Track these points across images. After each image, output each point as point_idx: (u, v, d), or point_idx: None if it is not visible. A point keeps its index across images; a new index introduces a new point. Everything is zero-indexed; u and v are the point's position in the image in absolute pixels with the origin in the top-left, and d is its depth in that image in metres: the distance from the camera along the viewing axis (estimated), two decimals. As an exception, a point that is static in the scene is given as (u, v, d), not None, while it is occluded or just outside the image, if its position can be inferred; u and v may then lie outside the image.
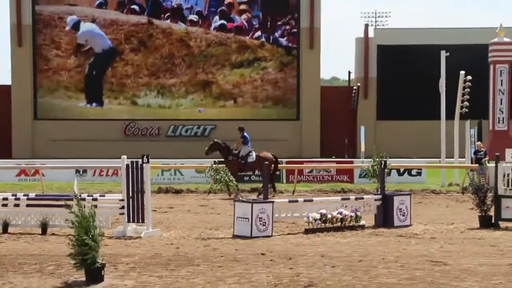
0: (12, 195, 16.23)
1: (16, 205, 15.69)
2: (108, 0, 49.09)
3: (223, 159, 24.56)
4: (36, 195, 16.92)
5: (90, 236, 10.26)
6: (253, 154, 24.38)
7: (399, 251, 12.92)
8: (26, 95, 47.48)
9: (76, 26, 48.48)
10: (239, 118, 48.87)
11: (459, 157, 31.08)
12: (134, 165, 15.13)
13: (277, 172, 24.99)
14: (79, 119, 47.85)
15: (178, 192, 25.58)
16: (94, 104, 48.28)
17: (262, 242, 14.03)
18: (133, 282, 10.30)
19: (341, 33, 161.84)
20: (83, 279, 10.32)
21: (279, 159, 25.15)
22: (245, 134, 24.89)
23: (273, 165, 24.29)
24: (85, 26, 48.46)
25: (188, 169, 30.48)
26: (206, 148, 24.64)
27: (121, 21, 49.09)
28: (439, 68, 31.57)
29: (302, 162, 33.05)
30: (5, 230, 15.35)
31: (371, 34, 51.46)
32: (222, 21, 49.70)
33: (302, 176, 30.28)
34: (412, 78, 49.06)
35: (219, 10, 49.81)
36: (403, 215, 16.51)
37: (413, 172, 31.22)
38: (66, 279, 10.53)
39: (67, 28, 48.30)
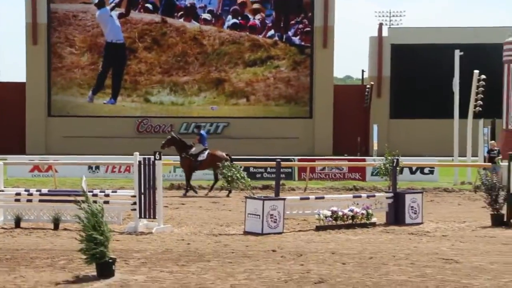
0: (25, 191, 16.34)
1: (29, 200, 15.78)
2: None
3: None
4: (48, 191, 17.02)
5: (99, 231, 10.31)
6: (205, 152, 24.16)
7: (410, 248, 12.90)
8: (40, 93, 47.71)
9: (101, 3, 48.46)
10: (252, 116, 48.90)
11: (472, 156, 30.97)
12: (147, 161, 15.18)
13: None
14: (92, 116, 48.02)
15: (193, 190, 25.57)
16: (109, 100, 48.44)
17: (273, 238, 14.04)
18: (144, 277, 10.34)
19: (355, 32, 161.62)
20: (94, 273, 10.37)
21: (232, 158, 24.78)
22: (202, 132, 25.06)
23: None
24: (106, 10, 48.52)
25: (201, 166, 30.48)
26: (163, 142, 24.47)
27: (134, 19, 49.22)
28: (453, 67, 31.46)
29: (314, 160, 33.02)
30: (17, 225, 15.44)
31: (385, 33, 51.34)
32: (235, 20, 49.72)
33: (314, 174, 30.25)
34: (425, 77, 48.91)
35: (232, 9, 49.84)
36: (415, 213, 16.48)
37: (426, 170, 31.12)
38: (77, 273, 10.58)
39: (95, 1, 48.27)
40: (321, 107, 49.14)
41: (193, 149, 24.13)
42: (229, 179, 23.71)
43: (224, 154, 24.22)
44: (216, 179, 24.11)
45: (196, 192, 23.81)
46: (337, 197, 17.58)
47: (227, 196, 23.35)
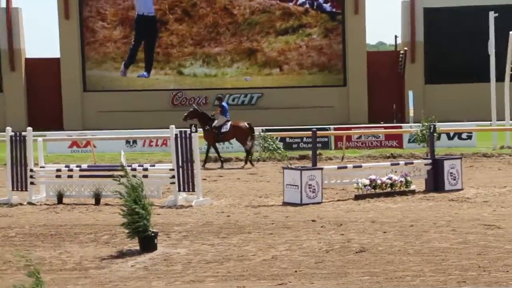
0: (66, 167, 16.56)
1: (70, 176, 15.99)
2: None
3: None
4: (88, 166, 17.22)
5: (140, 205, 10.42)
6: (228, 124, 24.10)
7: (451, 215, 12.84)
8: (74, 68, 48.00)
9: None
10: (285, 85, 48.74)
11: (511, 120, 30.59)
12: (183, 135, 15.27)
13: (251, 142, 24.32)
14: (127, 90, 48.25)
15: (227, 160, 25.71)
16: (142, 73, 48.62)
17: (312, 209, 14.08)
18: (186, 250, 10.46)
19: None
20: (137, 247, 10.51)
21: (254, 128, 24.71)
22: (224, 104, 24.90)
23: (248, 135, 24.07)
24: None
25: (237, 137, 30.52)
26: (185, 114, 24.47)
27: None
28: (488, 29, 30.97)
29: (350, 129, 32.86)
30: (60, 201, 15.67)
31: (417, -4, 50.63)
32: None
33: (350, 142, 30.13)
34: (460, 41, 48.21)
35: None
36: (454, 179, 16.37)
37: (463, 135, 30.82)
38: (121, 248, 10.73)
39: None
40: (355, 74, 48.75)
41: (216, 121, 24.18)
42: (265, 149, 23.83)
43: (246, 124, 24.28)
44: (248, 151, 24.15)
45: (222, 162, 23.84)
46: (375, 165, 17.55)
47: (221, 167, 23.49)
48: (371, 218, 12.74)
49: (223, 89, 48.22)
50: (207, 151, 24.58)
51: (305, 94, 48.18)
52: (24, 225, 12.91)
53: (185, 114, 24.49)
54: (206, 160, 24.08)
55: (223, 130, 24.05)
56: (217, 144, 24.56)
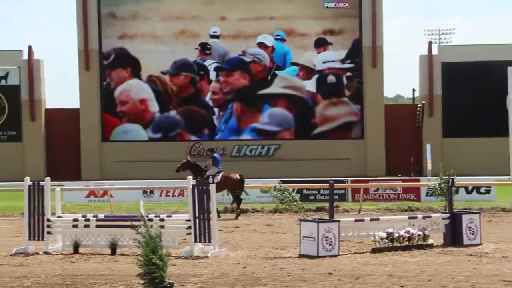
0: (82, 216, 16.57)
1: (86, 226, 15.99)
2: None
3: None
4: (105, 216, 17.22)
5: (157, 255, 10.38)
6: (219, 175, 24.15)
7: (470, 270, 12.68)
8: (93, 118, 48.44)
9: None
10: (303, 137, 48.84)
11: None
12: (200, 185, 15.28)
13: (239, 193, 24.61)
14: (145, 140, 48.55)
15: (244, 212, 25.64)
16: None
17: (328, 261, 13.96)
18: (202, 302, 10.37)
19: (405, 51, 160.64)
20: (153, 298, 10.43)
21: (245, 180, 24.83)
22: (215, 155, 25.03)
23: (239, 186, 24.36)
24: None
25: (254, 189, 30.53)
26: (178, 166, 24.92)
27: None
28: (506, 84, 31.00)
29: (367, 181, 32.77)
30: (76, 251, 15.64)
31: (435, 51, 50.88)
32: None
33: (368, 195, 30.02)
34: (478, 95, 48.28)
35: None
36: (473, 234, 16.20)
37: (482, 190, 30.61)
38: (136, 298, 10.66)
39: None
40: (373, 127, 48.88)
41: (208, 172, 24.35)
42: (282, 201, 23.78)
43: (237, 175, 24.41)
44: (236, 200, 24.29)
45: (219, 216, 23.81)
46: (392, 218, 17.43)
47: (236, 218, 23.39)
48: (388, 271, 12.61)
49: (240, 140, 48.42)
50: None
51: (322, 146, 48.23)
52: (39, 274, 12.89)
53: (178, 165, 24.79)
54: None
55: (215, 180, 24.16)
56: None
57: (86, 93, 48.45)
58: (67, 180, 36.11)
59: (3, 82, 48.13)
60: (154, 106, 48.77)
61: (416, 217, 16.69)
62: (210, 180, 23.75)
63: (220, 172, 24.26)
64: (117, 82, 48.93)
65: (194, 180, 24.35)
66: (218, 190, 24.65)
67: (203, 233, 15.12)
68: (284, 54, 49.29)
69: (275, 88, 49.05)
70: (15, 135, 48.38)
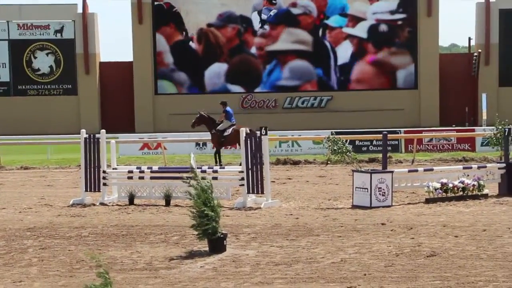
0: (137, 168, 16.80)
1: (141, 178, 16.22)
2: None
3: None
4: (159, 168, 17.43)
5: (209, 207, 10.49)
6: (231, 129, 24.09)
7: (525, 220, 12.53)
8: (146, 71, 48.71)
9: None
10: (355, 88, 48.41)
11: None
12: (253, 137, 15.33)
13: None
14: (197, 93, 48.73)
15: (296, 163, 25.70)
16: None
17: (381, 212, 13.95)
18: (255, 252, 10.49)
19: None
20: (206, 249, 10.59)
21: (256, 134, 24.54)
22: (227, 108, 24.80)
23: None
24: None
25: (306, 140, 30.53)
26: (193, 121, 24.87)
27: None
28: None
29: (421, 131, 32.43)
30: (131, 202, 15.92)
31: (492, -2, 49.63)
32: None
33: (421, 145, 29.73)
34: (536, 42, 47.12)
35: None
36: (529, 184, 15.95)
37: (539, 139, 30.00)
38: (190, 249, 10.83)
39: None
40: (427, 77, 48.12)
41: (221, 125, 24.32)
42: (335, 152, 23.70)
43: (248, 129, 24.18)
44: None
45: (221, 165, 23.66)
46: (446, 169, 17.24)
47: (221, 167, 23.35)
48: (442, 222, 12.54)
49: (293, 91, 48.22)
50: (215, 154, 24.82)
51: (375, 97, 47.78)
52: (96, 225, 13.17)
53: (193, 120, 24.86)
54: (217, 162, 24.24)
55: (226, 134, 24.22)
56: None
57: (139, 46, 48.64)
58: (121, 133, 36.53)
59: (58, 35, 48.62)
60: (203, 60, 48.73)
61: (471, 167, 16.50)
62: (226, 132, 24.00)
63: (233, 125, 24.29)
64: (168, 36, 48.97)
65: (209, 132, 24.64)
66: (229, 143, 24.83)
67: (255, 185, 15.22)
68: (336, 5, 48.56)
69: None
70: (71, 88, 49.01)
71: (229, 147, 25.27)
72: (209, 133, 25.14)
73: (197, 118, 24.86)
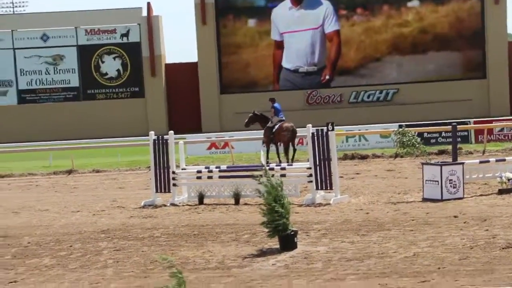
0: (206, 168, 16.95)
1: (210, 177, 16.35)
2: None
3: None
4: (227, 167, 17.54)
5: (280, 204, 10.51)
6: (278, 124, 23.79)
7: None
8: (211, 71, 49.06)
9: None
10: (422, 80, 47.75)
11: None
12: (320, 133, 15.29)
13: (293, 146, 23.87)
14: (262, 91, 48.85)
15: (364, 157, 25.53)
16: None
17: (453, 204, 13.74)
18: (326, 248, 10.46)
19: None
20: (277, 246, 10.61)
21: (296, 131, 24.05)
22: (275, 104, 24.52)
23: (290, 136, 23.65)
24: None
25: (373, 134, 30.28)
26: (246, 120, 24.82)
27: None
28: None
29: (491, 121, 31.79)
30: (201, 201, 16.06)
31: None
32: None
33: (492, 136, 29.16)
34: None
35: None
36: None
37: None
38: (261, 246, 10.87)
39: None
40: (496, 66, 47.14)
41: (270, 122, 24.16)
42: (404, 145, 23.41)
43: (289, 125, 23.90)
44: (287, 151, 23.81)
45: (267, 162, 23.27)
46: (519, 159, 16.86)
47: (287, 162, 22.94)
48: (517, 213, 12.29)
49: (357, 85, 47.88)
50: (277, 152, 24.33)
51: (443, 87, 47.04)
52: (168, 225, 13.33)
53: (246, 120, 24.88)
54: (278, 158, 23.98)
55: (274, 130, 23.99)
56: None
57: (203, 46, 49.01)
58: (188, 133, 36.89)
59: (124, 39, 49.40)
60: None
61: (544, 157, 16.11)
62: (274, 129, 23.79)
63: (281, 121, 24.15)
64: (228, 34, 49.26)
65: (263, 130, 24.53)
66: (277, 139, 24.32)
67: (324, 181, 15.17)
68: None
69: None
70: (138, 91, 49.71)
71: (279, 143, 25.00)
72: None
73: (250, 117, 24.95)
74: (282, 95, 47.85)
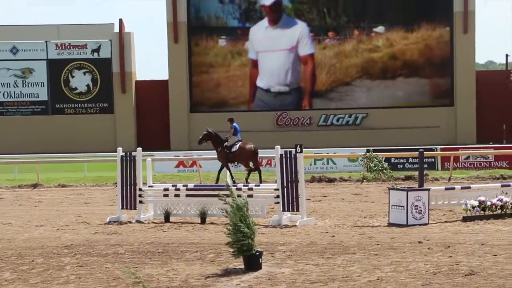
0: (173, 186, 16.90)
1: (177, 195, 16.31)
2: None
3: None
4: (194, 186, 17.50)
5: (245, 224, 10.49)
6: (237, 144, 24.06)
7: None
8: (182, 89, 49.01)
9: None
10: (391, 105, 48.16)
11: None
12: (288, 155, 15.32)
13: (255, 165, 24.29)
14: (232, 111, 48.91)
15: (331, 181, 25.64)
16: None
17: (418, 230, 13.82)
18: (291, 270, 10.45)
19: (497, 16, 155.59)
20: (242, 266, 10.58)
21: (258, 152, 24.40)
22: (235, 124, 24.78)
23: (252, 158, 24.07)
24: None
25: (341, 158, 30.45)
26: (200, 137, 24.90)
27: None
28: None
29: (457, 149, 32.15)
30: (167, 219, 15.98)
31: (529, 14, 49.25)
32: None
33: (458, 163, 29.48)
34: None
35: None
36: None
37: None
38: (226, 266, 10.83)
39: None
40: (463, 94, 47.77)
41: (228, 141, 24.27)
42: (370, 169, 23.56)
43: (252, 146, 24.16)
44: (252, 171, 24.14)
45: (234, 182, 23.40)
46: (484, 187, 17.07)
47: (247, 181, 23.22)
48: (480, 240, 12.39)
49: (327, 109, 48.13)
50: (219, 171, 24.54)
51: (411, 114, 47.49)
52: (133, 242, 13.24)
53: (200, 137, 24.91)
54: (218, 179, 24.20)
55: (233, 150, 24.14)
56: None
57: (175, 64, 49.02)
58: (157, 151, 36.78)
59: (95, 55, 49.23)
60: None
61: (509, 185, 16.30)
62: (233, 148, 23.92)
63: (239, 141, 24.30)
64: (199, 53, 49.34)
65: (215, 150, 24.61)
66: (236, 159, 24.53)
67: (291, 202, 15.18)
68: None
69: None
70: (107, 107, 49.50)
71: (236, 163, 25.10)
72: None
73: (204, 135, 24.95)
74: (252, 115, 48.04)
